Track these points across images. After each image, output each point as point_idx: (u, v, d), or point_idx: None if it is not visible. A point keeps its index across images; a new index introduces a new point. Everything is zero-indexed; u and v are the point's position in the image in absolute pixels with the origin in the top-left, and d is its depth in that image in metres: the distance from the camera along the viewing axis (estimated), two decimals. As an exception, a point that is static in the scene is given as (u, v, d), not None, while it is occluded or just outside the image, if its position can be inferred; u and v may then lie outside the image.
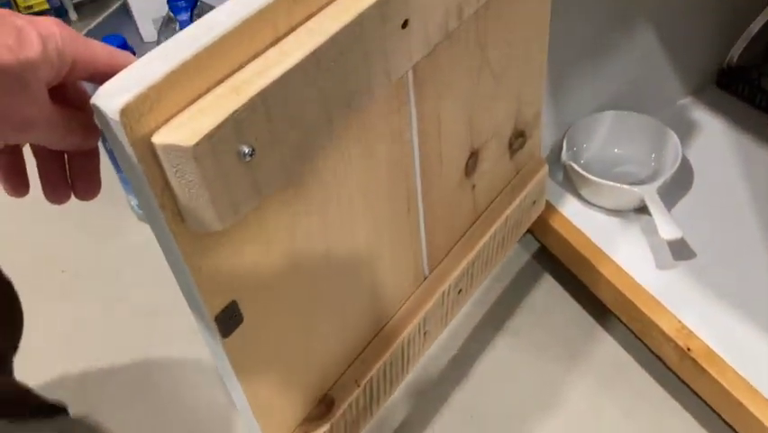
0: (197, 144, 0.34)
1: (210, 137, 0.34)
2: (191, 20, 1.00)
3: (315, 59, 0.39)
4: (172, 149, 0.34)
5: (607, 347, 0.88)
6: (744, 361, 0.72)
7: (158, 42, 1.08)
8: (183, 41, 0.35)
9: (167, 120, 0.34)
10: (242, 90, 0.36)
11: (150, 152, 0.34)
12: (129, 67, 0.34)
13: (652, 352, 0.80)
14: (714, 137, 0.98)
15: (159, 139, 0.34)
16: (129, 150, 0.34)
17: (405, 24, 0.45)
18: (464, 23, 0.52)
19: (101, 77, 0.34)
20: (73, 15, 1.58)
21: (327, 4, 0.41)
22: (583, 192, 0.89)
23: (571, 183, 0.90)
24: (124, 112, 0.32)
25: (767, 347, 0.74)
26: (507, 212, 0.74)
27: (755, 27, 0.98)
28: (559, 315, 0.92)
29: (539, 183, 0.79)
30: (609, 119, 0.94)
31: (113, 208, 1.14)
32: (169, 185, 0.36)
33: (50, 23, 0.32)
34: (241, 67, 0.38)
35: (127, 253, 1.08)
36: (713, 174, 0.93)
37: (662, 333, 0.76)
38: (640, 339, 0.81)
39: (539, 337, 0.90)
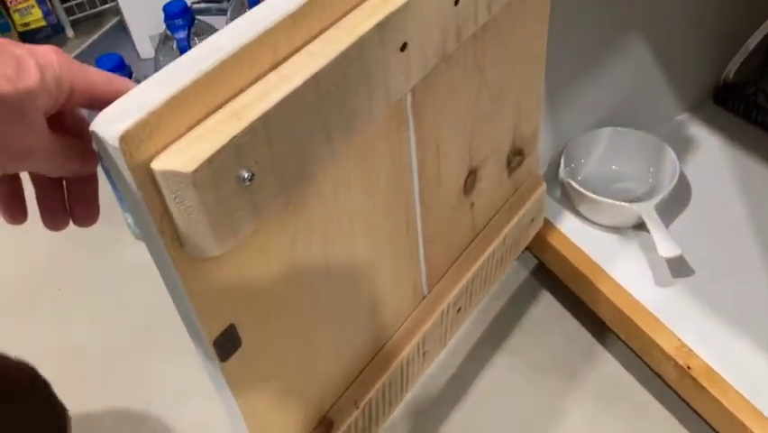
0: (197, 170, 0.34)
1: (210, 162, 0.34)
2: (188, 38, 1.00)
3: (316, 82, 0.39)
4: (171, 175, 0.34)
5: (606, 365, 0.88)
6: (744, 379, 0.72)
7: (155, 60, 1.08)
8: (183, 66, 0.35)
9: (166, 146, 0.34)
10: (243, 115, 0.36)
11: (149, 178, 0.34)
12: (128, 93, 0.34)
13: (652, 370, 0.80)
14: (711, 153, 0.98)
15: (158, 165, 0.34)
16: (128, 176, 0.33)
17: (403, 47, 0.45)
18: (462, 45, 0.52)
19: (99, 103, 0.34)
20: (70, 32, 1.59)
21: (327, 28, 0.41)
22: (581, 209, 0.89)
23: (569, 200, 0.90)
24: (124, 138, 0.32)
25: (766, 364, 0.74)
26: (506, 230, 0.74)
27: (751, 44, 0.98)
28: (558, 332, 0.92)
29: (537, 201, 0.79)
30: (607, 135, 0.94)
31: (109, 226, 1.13)
32: (169, 211, 0.36)
33: (49, 52, 0.32)
34: (241, 91, 0.37)
35: (124, 270, 1.08)
36: (710, 190, 0.93)
37: (662, 351, 0.76)
38: (640, 357, 0.81)
39: (538, 355, 0.90)
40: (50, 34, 1.58)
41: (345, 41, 0.40)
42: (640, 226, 0.86)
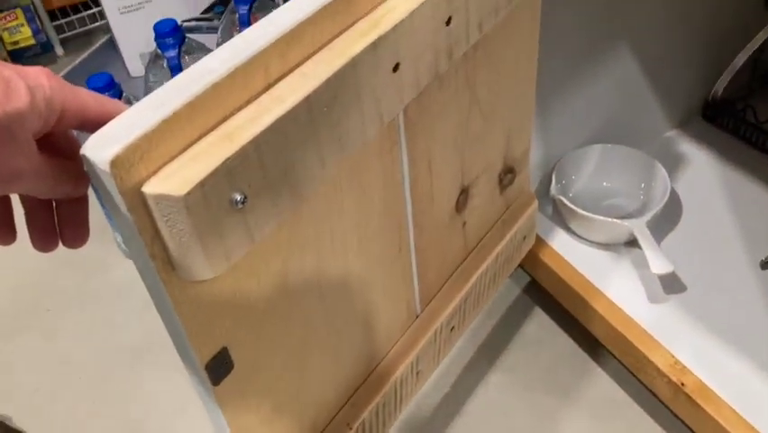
0: (188, 194, 0.33)
1: (202, 186, 0.34)
2: (179, 57, 1.00)
3: (309, 104, 0.39)
4: (163, 198, 0.33)
5: (600, 382, 0.88)
6: (737, 395, 0.72)
7: (145, 78, 1.08)
8: (174, 89, 0.35)
9: (158, 169, 0.34)
10: (235, 137, 0.36)
11: (140, 202, 0.34)
12: (119, 116, 0.33)
13: (645, 387, 0.79)
14: (701, 169, 0.98)
15: (149, 189, 0.33)
16: (119, 200, 0.33)
17: (396, 68, 0.45)
18: (454, 65, 0.52)
19: (91, 125, 0.33)
20: (59, 50, 1.58)
21: (320, 49, 0.41)
22: (573, 226, 0.89)
23: (560, 217, 0.90)
24: (114, 163, 0.31)
25: (759, 380, 0.74)
26: (498, 248, 0.73)
27: (740, 60, 0.99)
28: (551, 349, 0.92)
29: (529, 218, 0.79)
30: (597, 152, 0.94)
31: (99, 245, 1.12)
32: (160, 234, 0.35)
33: (39, 74, 0.32)
34: (233, 113, 0.37)
35: (113, 290, 1.07)
36: (701, 206, 0.93)
37: (656, 368, 0.75)
38: (633, 374, 0.80)
39: (531, 373, 0.90)
40: (39, 53, 1.58)
41: (338, 61, 0.40)
42: (632, 243, 0.86)
